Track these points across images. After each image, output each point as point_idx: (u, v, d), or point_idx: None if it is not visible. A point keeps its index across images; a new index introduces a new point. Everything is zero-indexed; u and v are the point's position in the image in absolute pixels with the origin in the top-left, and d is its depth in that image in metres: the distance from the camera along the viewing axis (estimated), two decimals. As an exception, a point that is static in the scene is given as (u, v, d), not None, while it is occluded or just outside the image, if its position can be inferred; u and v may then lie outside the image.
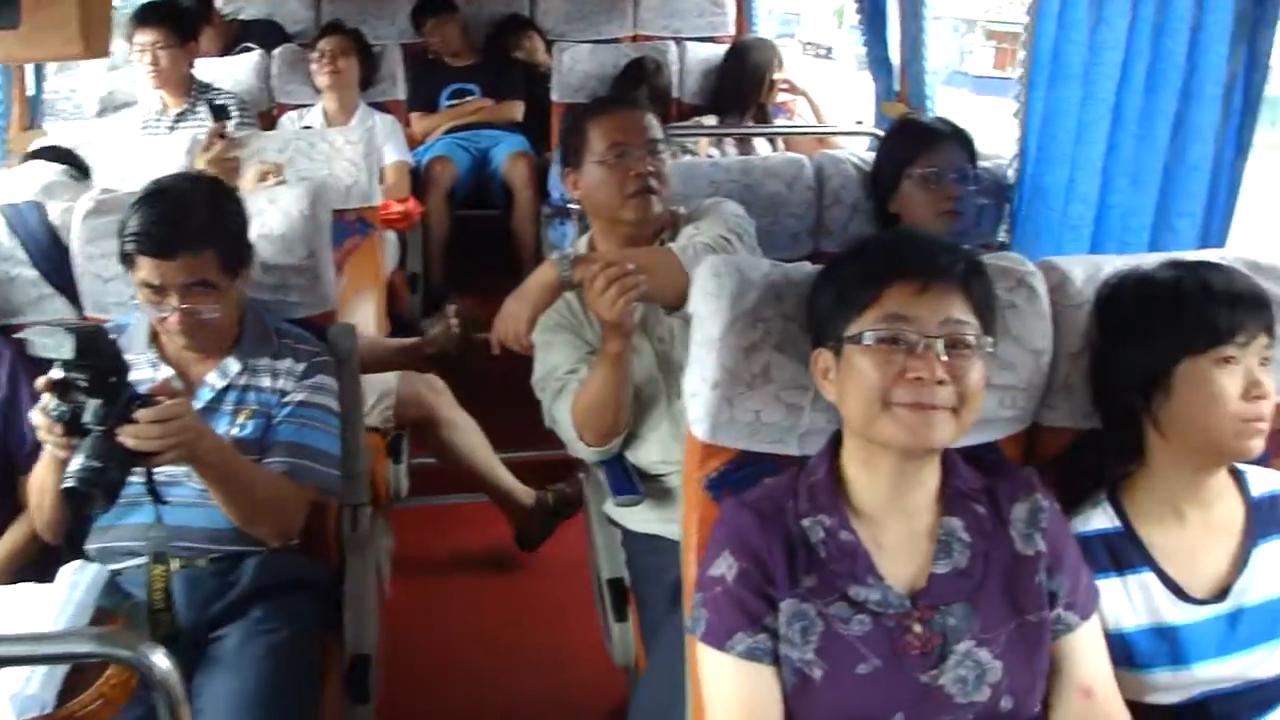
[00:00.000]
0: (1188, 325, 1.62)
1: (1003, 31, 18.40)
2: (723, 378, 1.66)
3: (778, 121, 4.64)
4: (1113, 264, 1.83)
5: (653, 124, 2.47)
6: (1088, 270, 1.81)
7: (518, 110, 5.19)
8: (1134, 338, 1.70)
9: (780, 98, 4.68)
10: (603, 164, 2.39)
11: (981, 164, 2.88)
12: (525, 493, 3.36)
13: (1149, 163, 2.33)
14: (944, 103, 4.99)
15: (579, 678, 2.92)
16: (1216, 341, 1.60)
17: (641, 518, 2.35)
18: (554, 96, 4.79)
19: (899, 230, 1.93)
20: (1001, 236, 2.95)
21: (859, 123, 4.07)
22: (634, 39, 5.52)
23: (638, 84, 4.60)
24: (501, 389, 2.71)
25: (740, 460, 1.74)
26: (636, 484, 2.31)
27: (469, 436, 3.29)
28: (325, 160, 3.34)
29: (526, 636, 3.12)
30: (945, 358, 1.45)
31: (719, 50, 4.96)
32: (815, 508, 1.54)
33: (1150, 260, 1.79)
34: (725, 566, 1.52)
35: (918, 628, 1.50)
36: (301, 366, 2.19)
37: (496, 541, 3.48)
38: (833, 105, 4.82)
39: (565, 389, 2.32)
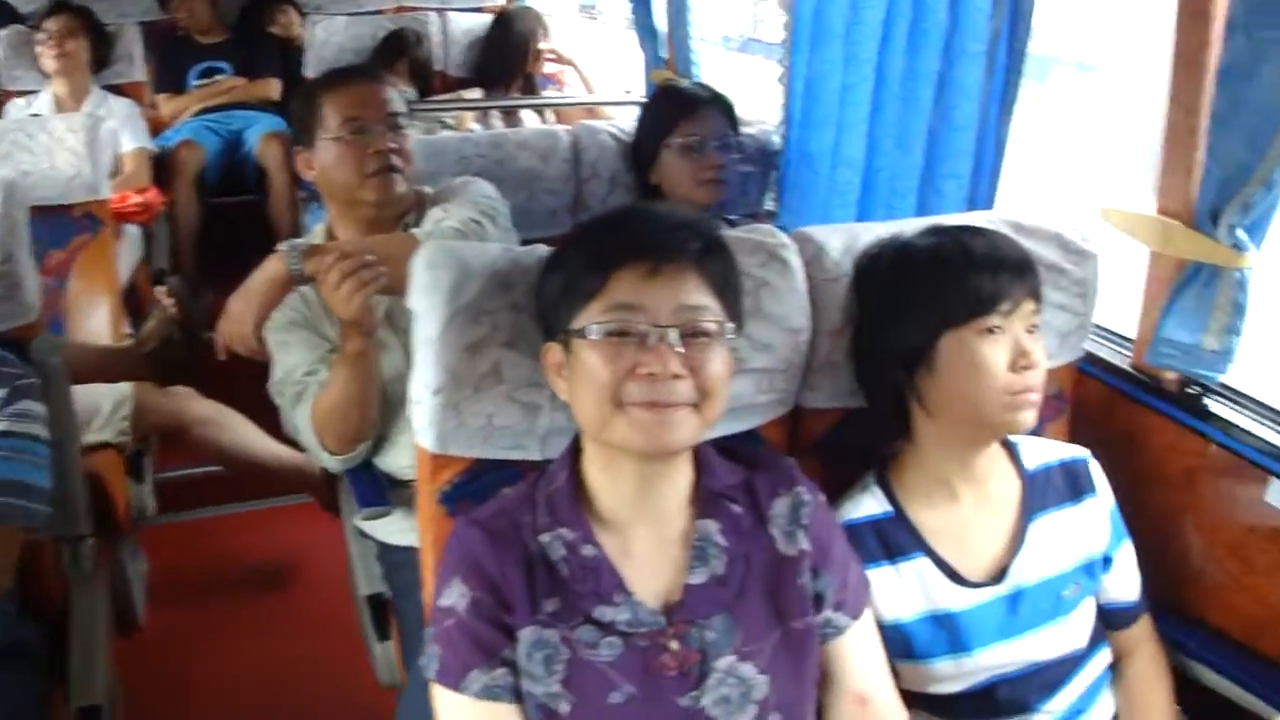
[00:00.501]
0: (948, 295, 1.53)
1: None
2: (446, 381, 1.47)
3: (546, 93, 4.55)
4: (873, 232, 1.73)
5: (393, 97, 2.29)
6: (845, 240, 1.70)
7: (273, 89, 4.96)
8: (894, 311, 1.60)
9: (548, 68, 4.59)
10: (338, 141, 2.20)
11: (746, 130, 2.80)
12: (309, 460, 3.12)
13: (914, 124, 2.28)
14: (736, 69, 4.94)
15: (351, 700, 2.71)
16: (979, 311, 1.51)
17: (395, 529, 2.17)
18: (308, 72, 4.53)
19: (629, 208, 1.80)
20: (769, 205, 2.89)
21: (627, 92, 3.97)
22: (397, 10, 5.29)
23: (397, 57, 4.46)
24: (242, 396, 2.57)
25: (476, 469, 1.57)
26: (384, 494, 2.13)
27: (234, 426, 3.05)
28: (46, 152, 3.06)
29: (298, 659, 2.91)
30: (680, 349, 1.30)
31: (485, 20, 4.82)
32: (555, 520, 1.38)
33: (911, 227, 1.69)
34: (456, 596, 1.35)
35: (674, 645, 1.36)
36: (3, 393, 1.90)
37: (264, 554, 3.29)
38: (602, 70, 4.75)
39: (305, 393, 2.12)
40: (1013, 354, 1.51)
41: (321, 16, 4.79)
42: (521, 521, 1.38)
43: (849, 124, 2.47)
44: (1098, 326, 2.09)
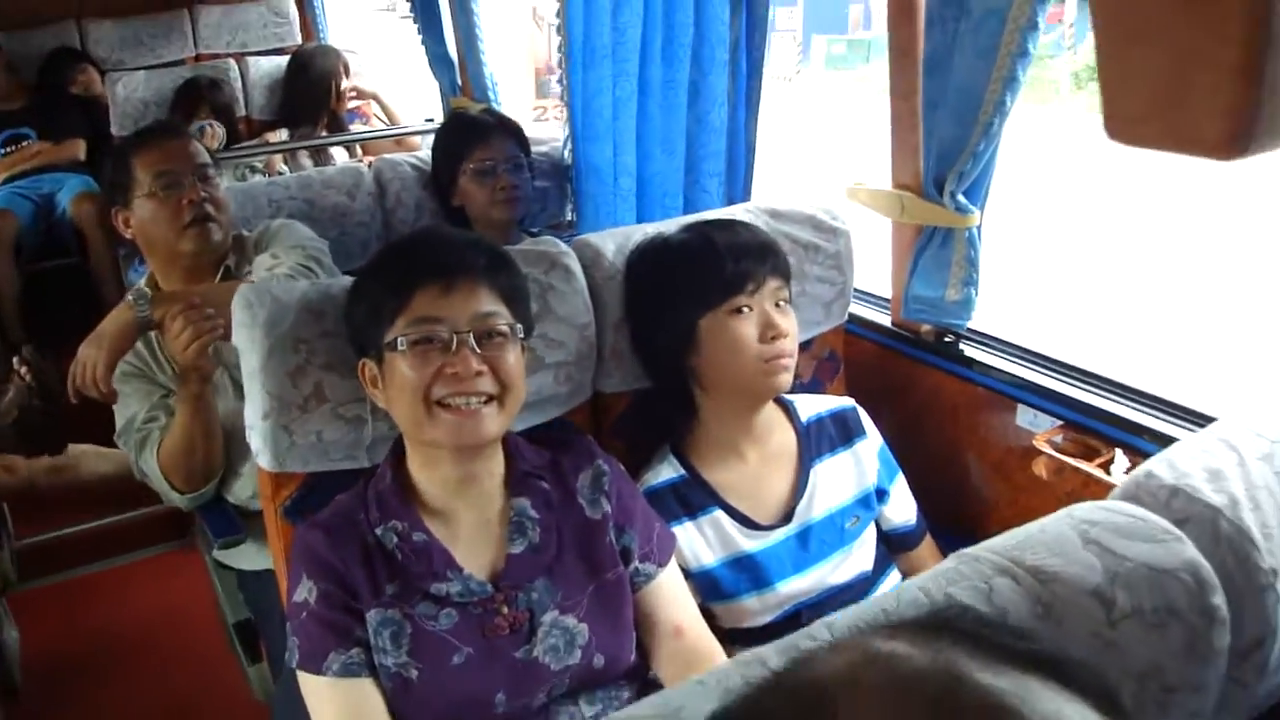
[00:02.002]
0: (699, 284, 1.75)
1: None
2: (273, 406, 1.64)
3: (354, 128, 4.60)
4: (641, 232, 1.95)
5: (199, 150, 2.40)
6: (618, 242, 1.92)
7: (79, 149, 4.86)
8: (660, 301, 1.82)
9: (354, 103, 4.65)
10: (152, 197, 2.31)
11: (540, 149, 2.98)
12: None
13: (675, 130, 2.47)
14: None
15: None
16: (727, 294, 1.74)
17: (250, 557, 2.28)
18: (113, 129, 4.53)
19: (420, 233, 1.96)
20: (570, 215, 3.06)
21: (429, 120, 4.09)
22: (197, 59, 5.29)
23: (197, 105, 4.44)
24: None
25: (312, 483, 1.73)
26: (236, 524, 2.25)
27: (85, 463, 3.07)
28: None
29: (178, 706, 2.97)
30: (479, 350, 1.50)
31: (284, 62, 4.84)
32: (386, 515, 1.55)
33: (672, 226, 1.92)
34: (307, 591, 1.51)
35: (504, 609, 1.55)
36: None
37: (133, 608, 3.30)
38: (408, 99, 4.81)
39: (148, 439, 2.23)
40: (761, 327, 1.75)
41: (121, 73, 4.74)
42: (357, 519, 1.56)
43: (622, 135, 2.66)
44: (860, 291, 2.35)
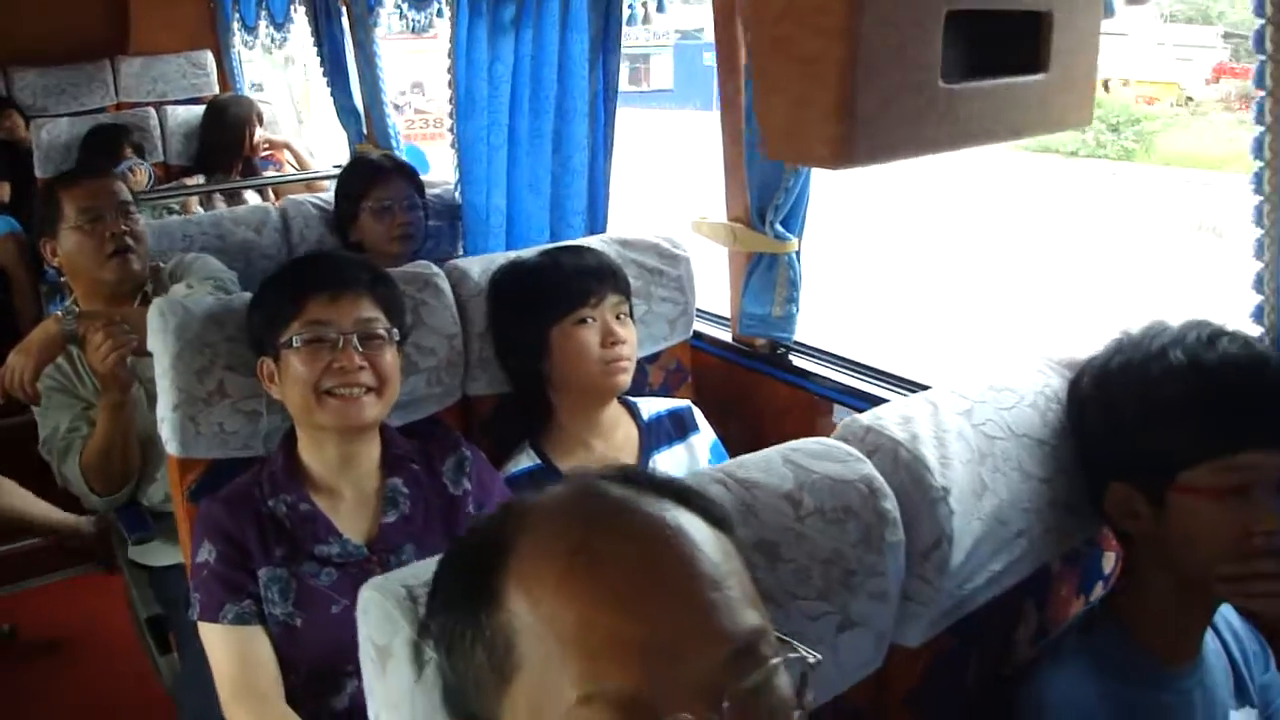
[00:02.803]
0: (550, 298, 2.07)
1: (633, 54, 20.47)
2: (182, 400, 1.92)
3: (267, 173, 4.82)
4: (505, 258, 2.27)
5: (121, 188, 2.67)
6: (483, 266, 2.24)
7: (3, 191, 5.05)
8: (517, 314, 2.14)
9: (266, 150, 4.89)
10: (78, 229, 2.57)
11: (434, 191, 3.27)
12: (77, 519, 3.35)
13: (542, 173, 2.80)
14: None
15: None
16: (572, 307, 2.06)
17: (161, 553, 2.52)
18: (38, 172, 4.71)
19: (311, 254, 2.23)
20: (460, 250, 3.33)
21: (337, 166, 4.33)
22: (118, 107, 5.48)
23: (116, 148, 4.61)
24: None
25: (215, 469, 2.00)
26: (148, 523, 2.51)
27: (4, 492, 3.24)
28: None
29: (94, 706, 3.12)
30: (361, 349, 1.80)
31: (201, 111, 5.07)
32: (277, 489, 1.83)
33: (531, 252, 2.24)
34: (207, 553, 1.78)
35: (377, 569, 1.80)
36: None
37: (46, 630, 3.45)
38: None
39: (70, 447, 2.48)
40: (602, 335, 2.06)
41: (45, 119, 4.94)
42: (252, 494, 1.84)
43: (496, 178, 2.96)
44: (706, 312, 2.67)
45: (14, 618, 3.47)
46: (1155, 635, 1.41)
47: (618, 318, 2.10)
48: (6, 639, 3.39)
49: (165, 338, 1.92)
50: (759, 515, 1.19)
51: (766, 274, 2.45)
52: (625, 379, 2.10)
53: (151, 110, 5.12)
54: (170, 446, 1.98)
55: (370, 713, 1.04)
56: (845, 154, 1.01)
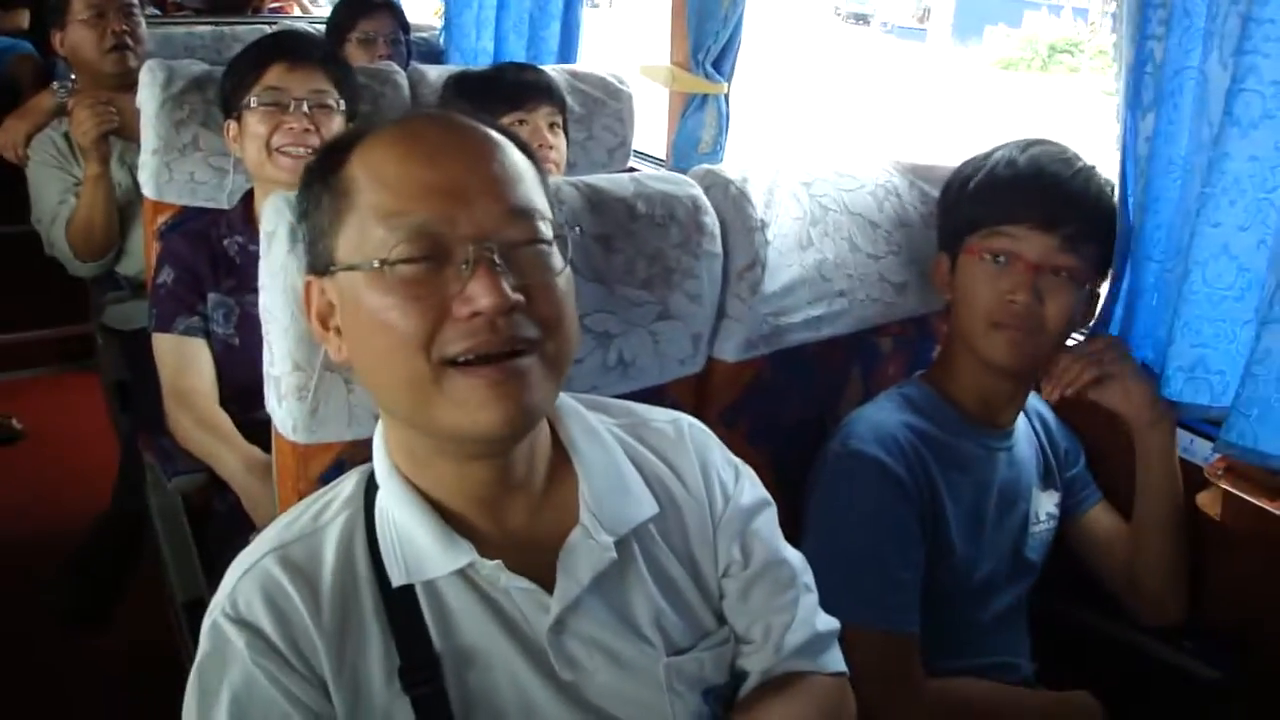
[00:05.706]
0: (491, 99, 2.27)
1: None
2: (160, 145, 2.21)
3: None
4: (461, 69, 2.52)
5: None
6: (440, 72, 2.52)
7: (23, 19, 5.23)
8: (458, 106, 2.37)
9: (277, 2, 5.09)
10: (84, 23, 2.82)
11: (419, 34, 3.51)
12: None
13: (520, 12, 3.12)
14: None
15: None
16: (509, 109, 2.26)
17: (130, 317, 2.72)
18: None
19: (279, 30, 2.40)
20: None
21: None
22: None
23: None
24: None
25: (183, 215, 2.28)
26: (122, 285, 2.80)
27: None
28: None
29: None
30: (308, 111, 2.05)
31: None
32: (232, 231, 2.09)
33: (483, 67, 2.49)
34: (166, 275, 2.05)
35: None
36: None
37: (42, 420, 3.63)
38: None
39: (59, 216, 2.75)
40: (529, 135, 2.30)
41: None
42: (210, 234, 2.10)
43: (483, 24, 3.26)
44: (639, 153, 2.94)
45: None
46: (964, 401, 1.66)
47: (550, 127, 2.34)
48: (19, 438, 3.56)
49: (153, 90, 2.20)
50: (602, 213, 1.45)
51: (698, 113, 2.70)
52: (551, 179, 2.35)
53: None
54: (147, 189, 2.26)
55: (260, 283, 1.28)
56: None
